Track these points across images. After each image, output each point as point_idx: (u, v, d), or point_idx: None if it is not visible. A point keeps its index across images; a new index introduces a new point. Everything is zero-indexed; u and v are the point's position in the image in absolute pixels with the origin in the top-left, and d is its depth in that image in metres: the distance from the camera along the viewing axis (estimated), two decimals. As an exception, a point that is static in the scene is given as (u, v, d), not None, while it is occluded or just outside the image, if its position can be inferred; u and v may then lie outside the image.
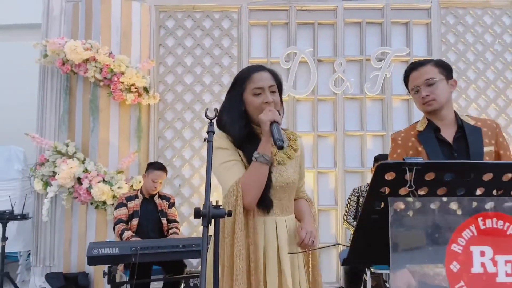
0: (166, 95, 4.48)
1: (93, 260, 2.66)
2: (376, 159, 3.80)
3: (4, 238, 4.05)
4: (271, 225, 1.54)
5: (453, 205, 0.94)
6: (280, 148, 1.41)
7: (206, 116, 1.35)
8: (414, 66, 1.82)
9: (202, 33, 4.51)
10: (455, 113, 1.82)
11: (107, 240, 3.51)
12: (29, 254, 4.71)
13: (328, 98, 4.44)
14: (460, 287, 0.88)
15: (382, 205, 0.94)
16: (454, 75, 4.50)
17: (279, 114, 1.56)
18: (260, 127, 1.50)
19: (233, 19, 4.52)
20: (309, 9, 4.49)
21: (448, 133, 1.76)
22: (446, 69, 1.80)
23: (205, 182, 1.15)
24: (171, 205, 3.59)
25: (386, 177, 0.89)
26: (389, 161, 0.87)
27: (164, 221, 3.48)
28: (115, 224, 3.26)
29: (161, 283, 3.49)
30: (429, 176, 0.90)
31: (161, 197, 3.55)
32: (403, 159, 0.88)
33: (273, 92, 1.58)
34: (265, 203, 1.50)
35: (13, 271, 4.86)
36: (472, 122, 1.79)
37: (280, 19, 4.50)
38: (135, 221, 3.32)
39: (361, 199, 3.79)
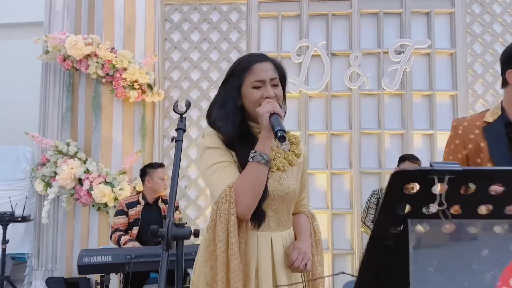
0: (172, 92, 4.28)
1: (84, 269, 2.46)
2: (404, 158, 3.48)
3: (5, 241, 3.93)
4: (265, 242, 1.32)
5: (498, 229, 0.68)
6: (282, 139, 1.19)
7: (175, 110, 1.12)
8: None
9: (209, 27, 4.30)
10: None
11: (102, 247, 3.30)
12: (35, 256, 4.60)
13: (342, 94, 4.17)
14: None
15: (400, 228, 0.69)
16: (480, 68, 4.16)
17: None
18: (259, 123, 1.28)
19: (242, 12, 4.29)
20: (322, -1, 4.23)
21: None
22: None
23: (169, 192, 0.91)
24: (175, 209, 3.35)
25: (405, 190, 0.64)
26: (409, 168, 0.61)
27: None
28: (112, 233, 3.06)
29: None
30: (468, 189, 0.64)
31: (165, 201, 3.31)
32: (431, 165, 0.62)
33: (275, 85, 1.35)
34: (257, 215, 1.27)
35: (20, 273, 4.77)
36: None
37: (291, 10, 4.25)
38: (135, 230, 3.09)
39: (381, 201, 3.50)
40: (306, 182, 1.53)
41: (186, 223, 0.94)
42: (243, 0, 4.27)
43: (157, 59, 4.18)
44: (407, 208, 0.66)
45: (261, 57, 1.39)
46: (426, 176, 0.62)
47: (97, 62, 3.90)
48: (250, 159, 1.25)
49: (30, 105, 5.44)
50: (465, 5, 4.15)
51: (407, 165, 3.43)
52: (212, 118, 1.38)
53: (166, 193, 3.29)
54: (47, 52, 4.11)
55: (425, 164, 3.83)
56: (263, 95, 1.31)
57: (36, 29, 5.19)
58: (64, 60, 3.99)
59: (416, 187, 0.64)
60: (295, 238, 1.42)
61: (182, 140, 1.06)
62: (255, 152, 1.25)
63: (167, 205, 3.19)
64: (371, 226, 3.45)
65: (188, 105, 1.18)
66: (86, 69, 3.95)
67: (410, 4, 4.16)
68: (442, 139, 3.94)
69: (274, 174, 1.34)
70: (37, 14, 5.13)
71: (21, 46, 5.57)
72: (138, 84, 3.94)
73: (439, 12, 4.17)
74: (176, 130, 1.10)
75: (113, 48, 3.98)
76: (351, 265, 3.98)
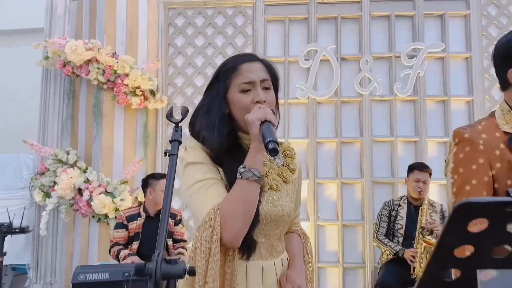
0: (175, 99, 4.13)
1: None
2: (413, 167, 3.32)
3: (2, 253, 3.77)
4: (256, 272, 1.14)
5: None
6: (274, 152, 1.00)
7: (169, 118, 0.95)
8: None
9: (214, 31, 4.15)
10: None
11: (99, 263, 3.14)
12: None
13: (353, 100, 3.99)
14: None
15: (458, 275, 0.52)
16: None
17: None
18: (249, 133, 1.10)
19: (248, 15, 4.14)
20: (331, 2, 4.06)
21: None
22: None
23: (160, 218, 0.75)
24: (178, 222, 3.15)
25: (470, 228, 0.47)
26: (478, 199, 0.44)
27: (169, 242, 3.05)
28: (111, 247, 2.89)
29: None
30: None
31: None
32: (508, 194, 0.45)
33: (266, 88, 1.17)
34: (246, 245, 1.09)
35: (21, 284, 4.62)
36: None
37: (299, 13, 4.09)
38: (135, 245, 2.92)
39: (393, 213, 3.33)
40: (300, 200, 1.35)
41: (180, 258, 0.78)
42: (249, 3, 4.13)
43: (160, 64, 4.04)
44: (470, 249, 0.49)
45: (250, 57, 1.21)
46: (502, 210, 0.45)
47: (98, 68, 3.77)
48: (238, 175, 1.06)
49: (32, 112, 5.34)
50: (481, 7, 3.97)
51: (416, 175, 3.25)
52: (196, 128, 1.20)
53: None
54: (46, 57, 3.99)
55: (437, 173, 3.64)
56: (253, 99, 1.13)
57: (38, 36, 5.10)
58: (64, 65, 3.87)
59: (485, 224, 0.47)
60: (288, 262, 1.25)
61: (176, 154, 0.89)
62: (244, 167, 1.06)
63: (170, 218, 3.03)
64: (384, 241, 3.26)
65: (185, 112, 1.01)
66: (86, 75, 3.82)
67: (423, 6, 3.99)
68: (458, 147, 3.74)
69: (266, 194, 1.15)
70: (40, 21, 5.04)
71: (22, 52, 5.47)
72: (141, 91, 3.80)
73: (453, 15, 3.99)
74: (170, 142, 0.93)
75: (115, 53, 3.85)
76: (363, 280, 3.79)
